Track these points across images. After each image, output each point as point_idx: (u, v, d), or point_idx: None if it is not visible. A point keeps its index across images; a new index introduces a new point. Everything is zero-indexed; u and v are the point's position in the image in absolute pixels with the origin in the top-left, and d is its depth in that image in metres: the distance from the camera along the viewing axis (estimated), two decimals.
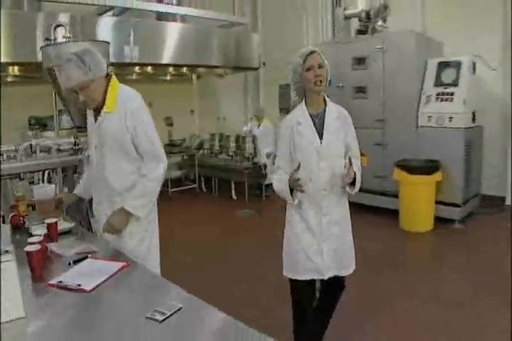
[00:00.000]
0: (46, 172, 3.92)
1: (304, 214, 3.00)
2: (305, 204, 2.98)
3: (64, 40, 4.42)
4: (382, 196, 7.01)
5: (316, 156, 2.90)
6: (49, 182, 3.84)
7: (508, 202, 7.26)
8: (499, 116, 7.34)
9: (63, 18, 6.28)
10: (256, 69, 9.45)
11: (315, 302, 3.18)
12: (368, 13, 7.34)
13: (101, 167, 2.84)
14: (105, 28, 7.00)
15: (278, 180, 2.95)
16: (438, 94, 6.61)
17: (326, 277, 2.99)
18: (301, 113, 2.98)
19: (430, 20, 7.97)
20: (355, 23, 7.86)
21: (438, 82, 6.67)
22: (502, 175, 7.36)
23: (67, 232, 2.91)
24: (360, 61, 7.20)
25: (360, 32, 7.49)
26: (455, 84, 6.55)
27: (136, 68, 8.19)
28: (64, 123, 7.45)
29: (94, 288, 2.07)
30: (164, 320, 1.76)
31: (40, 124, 7.69)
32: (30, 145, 4.12)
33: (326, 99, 3.01)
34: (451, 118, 6.35)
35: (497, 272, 4.76)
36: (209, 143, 9.35)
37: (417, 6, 8.10)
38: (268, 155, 8.47)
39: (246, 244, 5.92)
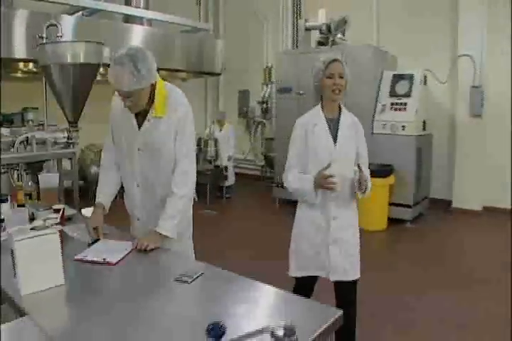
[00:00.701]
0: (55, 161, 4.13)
1: (314, 216, 3.00)
2: (315, 206, 2.98)
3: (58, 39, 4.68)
4: None
5: (328, 158, 2.89)
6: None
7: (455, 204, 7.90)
8: (446, 125, 8.03)
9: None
10: (219, 74, 9.75)
11: None
12: (328, 26, 7.81)
13: (147, 174, 2.79)
14: (71, 27, 7.13)
15: (298, 179, 2.94)
16: (392, 104, 7.15)
17: (332, 279, 3.00)
18: (317, 115, 3.05)
19: (385, 35, 8.57)
20: (315, 35, 8.32)
21: (392, 93, 7.22)
22: (448, 180, 7.99)
23: (69, 219, 3.07)
24: None
25: (320, 43, 7.95)
26: (408, 95, 7.11)
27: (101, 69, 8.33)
28: (28, 119, 7.62)
29: (118, 261, 2.32)
30: (192, 281, 2.06)
31: (7, 120, 7.76)
32: (27, 137, 4.34)
33: (341, 106, 3.11)
34: (403, 126, 6.89)
35: (442, 263, 5.42)
36: None
37: (373, 22, 8.69)
38: (229, 158, 8.85)
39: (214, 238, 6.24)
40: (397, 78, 7.27)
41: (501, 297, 4.31)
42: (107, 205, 2.84)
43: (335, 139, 2.95)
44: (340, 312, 1.72)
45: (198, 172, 2.99)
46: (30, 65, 7.09)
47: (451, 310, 4.16)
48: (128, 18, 8.43)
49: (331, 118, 3.04)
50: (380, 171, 6.65)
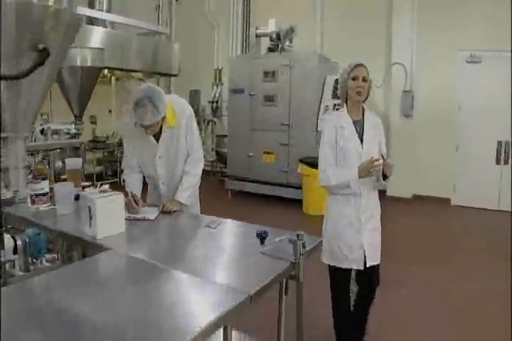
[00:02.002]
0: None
1: (345, 210, 3.18)
2: (345, 203, 3.18)
3: None
4: (286, 188, 8.37)
5: (358, 160, 3.09)
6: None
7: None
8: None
9: None
10: (175, 75, 10.42)
11: (355, 295, 3.37)
12: (278, 34, 8.71)
13: (173, 172, 3.55)
14: None
15: (340, 173, 3.11)
16: (334, 105, 8.10)
17: (369, 264, 3.18)
18: (344, 117, 3.19)
19: (328, 43, 9.60)
20: (264, 41, 9.19)
21: (335, 95, 8.16)
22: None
23: None
24: (269, 74, 8.52)
25: (270, 50, 8.84)
26: None
27: None
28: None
29: (155, 218, 3.12)
30: (216, 227, 2.92)
31: None
32: (43, 128, 5.09)
33: (365, 107, 3.25)
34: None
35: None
36: None
37: (317, 31, 9.70)
38: None
39: None
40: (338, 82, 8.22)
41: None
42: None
43: (361, 140, 3.14)
44: None
45: None
46: None
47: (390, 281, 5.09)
48: (92, 20, 8.97)
49: (356, 119, 3.19)
50: None
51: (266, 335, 2.86)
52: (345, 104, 3.23)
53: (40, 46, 1.76)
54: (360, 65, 3.13)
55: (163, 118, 3.28)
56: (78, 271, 2.23)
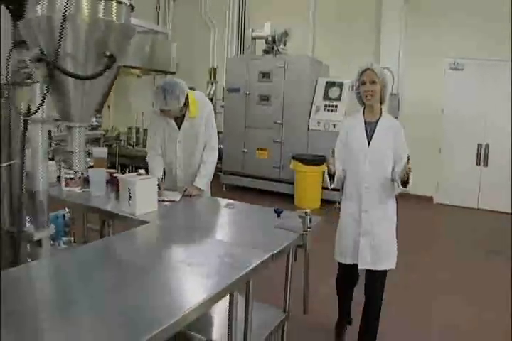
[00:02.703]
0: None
1: (350, 209, 3.37)
2: (350, 201, 3.37)
3: None
4: (279, 183, 8.82)
5: (362, 158, 3.23)
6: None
7: None
8: None
9: None
10: (173, 73, 10.75)
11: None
12: (273, 38, 9.15)
13: (190, 158, 4.02)
14: None
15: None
16: (325, 106, 8.59)
17: (361, 266, 3.31)
18: (358, 119, 3.34)
19: (320, 47, 10.04)
20: (259, 43, 9.63)
21: (326, 97, 8.65)
22: None
23: None
24: (265, 75, 8.97)
25: (266, 52, 9.27)
26: (338, 99, 8.58)
27: None
28: None
29: (180, 200, 3.58)
30: (234, 207, 3.42)
31: None
32: None
33: (383, 110, 3.34)
34: (334, 124, 8.29)
35: None
36: (126, 135, 10.55)
37: (309, 35, 10.15)
38: None
39: None
40: (330, 84, 8.71)
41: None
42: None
43: (370, 141, 3.25)
44: None
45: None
46: None
47: None
48: None
49: (370, 121, 3.30)
50: (315, 160, 8.01)
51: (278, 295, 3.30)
52: (362, 108, 3.34)
53: (108, 53, 2.19)
54: (367, 69, 3.20)
55: (187, 108, 3.81)
56: (123, 240, 2.67)
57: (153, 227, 2.88)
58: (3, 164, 2.70)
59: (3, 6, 2.30)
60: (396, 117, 9.03)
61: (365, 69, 3.20)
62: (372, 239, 3.27)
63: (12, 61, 2.32)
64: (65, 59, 2.11)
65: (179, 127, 3.93)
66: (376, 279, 3.32)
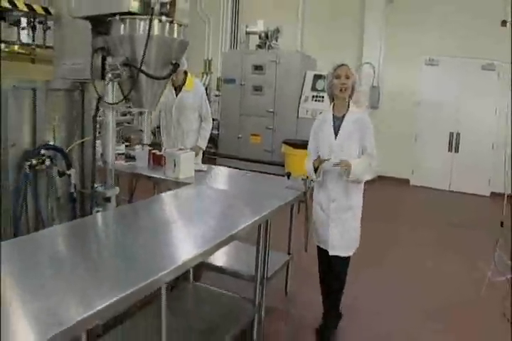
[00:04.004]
0: None
1: (319, 197, 3.56)
2: (319, 190, 3.56)
3: None
4: (270, 165, 9.71)
5: (328, 149, 3.38)
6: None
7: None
8: None
9: None
10: None
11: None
12: (266, 34, 10.03)
13: (179, 119, 5.07)
14: None
15: (309, 161, 3.52)
16: (313, 96, 9.51)
17: (331, 252, 3.47)
18: (328, 113, 3.49)
19: (307, 43, 10.94)
20: (253, 38, 10.49)
21: (313, 88, 9.57)
22: None
23: None
24: (258, 68, 9.87)
25: (259, 46, 10.16)
26: (324, 90, 9.42)
27: None
28: None
29: (206, 169, 4.49)
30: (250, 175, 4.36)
31: None
32: None
33: (351, 105, 3.45)
34: (321, 112, 9.10)
35: None
36: None
37: (298, 32, 11.05)
38: None
39: None
40: (317, 77, 9.62)
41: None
42: None
43: (337, 134, 3.39)
44: None
45: None
46: None
47: None
48: None
49: (338, 115, 3.44)
50: (303, 145, 8.82)
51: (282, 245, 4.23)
52: (333, 103, 3.53)
53: (173, 61, 3.10)
54: (342, 64, 3.36)
55: (184, 83, 5.01)
56: (172, 197, 3.57)
57: (195, 187, 3.79)
58: (78, 141, 3.62)
59: None
60: (376, 107, 10.04)
61: (341, 65, 3.37)
62: (340, 226, 3.45)
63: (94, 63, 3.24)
64: (143, 65, 3.00)
65: (176, 96, 5.02)
66: (341, 264, 3.54)
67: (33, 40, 4.08)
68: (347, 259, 3.53)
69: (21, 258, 2.09)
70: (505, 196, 5.10)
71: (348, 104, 3.45)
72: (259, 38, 10.16)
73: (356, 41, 10.45)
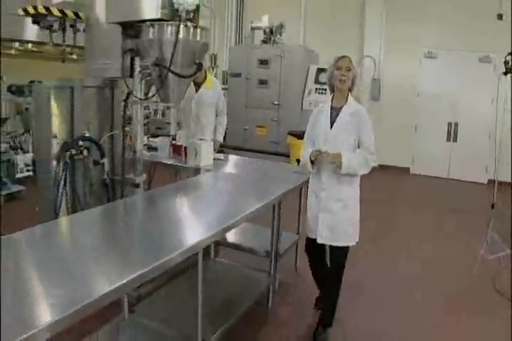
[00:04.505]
0: None
1: (313, 187, 3.58)
2: (314, 179, 3.57)
3: None
4: (276, 155, 10.09)
5: (323, 140, 3.38)
6: None
7: None
8: None
9: None
10: None
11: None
12: (270, 29, 10.39)
13: (198, 114, 5.43)
14: None
15: (305, 152, 3.49)
16: (316, 89, 9.86)
17: (319, 241, 3.46)
18: (326, 104, 3.48)
19: (310, 37, 11.31)
20: (258, 34, 10.86)
21: (316, 81, 9.91)
22: None
23: None
24: (263, 62, 10.21)
25: (264, 41, 10.52)
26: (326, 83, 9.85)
27: None
28: None
29: (224, 158, 4.96)
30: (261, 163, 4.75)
31: (20, 91, 9.62)
32: None
33: (349, 97, 3.43)
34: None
35: None
36: None
37: (301, 28, 11.41)
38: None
39: None
40: (320, 71, 9.94)
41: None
42: None
43: (332, 125, 3.37)
44: None
45: None
46: None
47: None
48: None
49: (337, 107, 3.42)
50: None
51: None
52: (332, 94, 3.52)
53: (197, 61, 3.51)
54: (344, 56, 3.34)
55: (204, 80, 5.39)
56: (195, 181, 4.01)
57: (214, 174, 4.24)
58: (108, 134, 4.05)
59: None
60: (377, 99, 10.42)
61: (343, 56, 3.35)
62: (330, 216, 3.44)
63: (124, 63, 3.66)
64: (171, 64, 3.41)
65: (196, 92, 5.39)
66: (335, 253, 3.52)
67: (64, 42, 4.49)
68: (342, 251, 3.52)
69: (63, 235, 2.56)
70: (496, 181, 5.48)
71: (347, 96, 3.44)
72: (264, 33, 10.50)
73: (357, 35, 10.86)
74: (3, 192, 7.04)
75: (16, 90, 9.46)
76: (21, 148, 8.21)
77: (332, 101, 3.48)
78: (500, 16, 8.99)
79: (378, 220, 6.72)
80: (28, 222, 2.69)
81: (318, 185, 3.50)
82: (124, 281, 1.85)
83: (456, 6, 9.62)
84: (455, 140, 10.31)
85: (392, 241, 6.06)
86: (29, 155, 8.01)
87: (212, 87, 5.52)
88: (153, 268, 2.02)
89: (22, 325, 1.47)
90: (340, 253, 3.51)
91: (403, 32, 10.28)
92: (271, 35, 10.36)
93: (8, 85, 9.28)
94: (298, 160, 4.18)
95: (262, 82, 10.23)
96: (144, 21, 3.47)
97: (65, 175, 3.66)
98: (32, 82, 9.95)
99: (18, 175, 7.67)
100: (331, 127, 3.36)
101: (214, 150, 5.05)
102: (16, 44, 8.74)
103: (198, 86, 5.40)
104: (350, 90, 3.45)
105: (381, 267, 5.19)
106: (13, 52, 9.21)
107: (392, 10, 10.37)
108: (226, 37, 12.38)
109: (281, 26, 10.40)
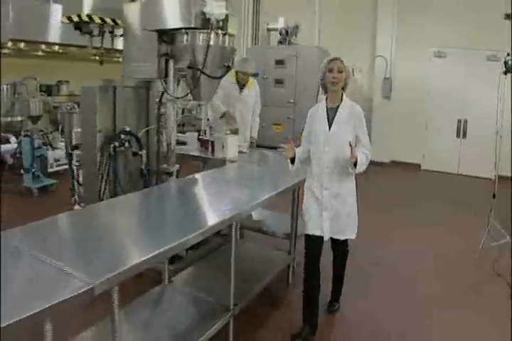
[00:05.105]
0: None
1: (312, 186, 3.58)
2: (313, 179, 3.57)
3: None
4: None
5: (323, 140, 3.40)
6: None
7: None
8: (367, 103, 11.25)
9: None
10: None
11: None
12: (286, 30, 10.86)
13: (241, 111, 5.92)
14: None
15: (297, 152, 3.61)
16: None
17: (325, 237, 3.53)
18: (321, 105, 3.51)
19: (324, 38, 11.71)
20: (274, 35, 11.34)
21: None
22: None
23: None
24: (279, 62, 10.71)
25: (280, 42, 11.00)
26: None
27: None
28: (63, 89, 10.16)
29: (247, 150, 5.49)
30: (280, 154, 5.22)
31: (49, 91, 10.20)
32: None
33: (344, 97, 3.47)
34: None
35: (367, 195, 8.56)
36: None
37: (315, 29, 11.83)
38: None
39: None
40: None
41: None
42: None
43: (331, 125, 3.41)
44: None
45: None
46: None
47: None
48: None
49: (333, 107, 3.46)
50: None
51: None
52: (326, 94, 3.56)
53: (226, 64, 4.00)
54: (335, 58, 3.41)
55: (247, 82, 5.88)
56: (222, 171, 4.51)
57: (239, 164, 4.78)
58: (145, 129, 4.54)
59: None
60: (388, 97, 10.81)
61: (334, 58, 3.42)
62: (333, 213, 3.50)
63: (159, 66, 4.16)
64: (202, 67, 3.90)
65: (240, 92, 5.90)
66: (339, 246, 3.78)
67: (101, 46, 4.98)
68: (343, 243, 3.74)
69: (108, 214, 3.06)
70: (497, 173, 5.88)
71: (342, 97, 3.49)
72: (280, 34, 10.97)
73: (369, 36, 11.28)
74: (37, 185, 7.55)
75: (45, 90, 10.04)
76: (51, 145, 8.73)
77: (327, 101, 3.53)
78: (507, 16, 9.36)
79: (391, 211, 7.19)
80: (62, 210, 3.02)
81: (318, 184, 3.52)
82: (174, 244, 2.38)
83: (464, 6, 9.95)
84: (464, 136, 10.57)
85: (401, 228, 6.53)
86: (59, 151, 8.57)
87: (254, 89, 6.07)
88: (198, 234, 2.57)
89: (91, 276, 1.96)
90: (346, 244, 3.80)
91: (414, 32, 10.63)
92: (286, 36, 10.81)
93: (38, 85, 9.83)
94: None
95: (278, 82, 10.72)
96: (178, 29, 3.95)
97: (109, 164, 4.17)
98: (59, 82, 10.56)
99: (50, 170, 8.23)
100: (330, 127, 3.41)
101: (251, 145, 5.73)
102: (43, 46, 9.15)
103: (241, 87, 5.89)
104: (343, 89, 3.50)
105: (394, 248, 5.79)
106: (40, 53, 9.73)
107: (404, 11, 10.75)
108: (243, 38, 12.83)
109: (296, 27, 10.87)
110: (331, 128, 3.38)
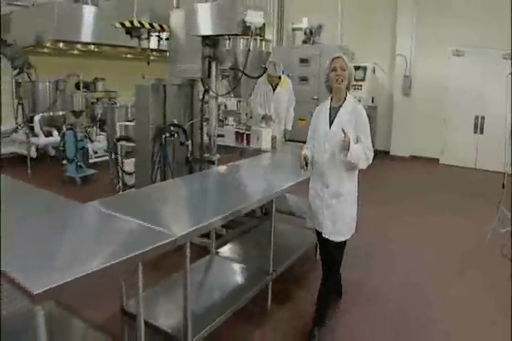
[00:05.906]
0: None
1: (314, 183, 3.60)
2: (315, 175, 3.58)
3: None
4: None
5: (324, 138, 3.39)
6: None
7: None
8: (387, 100, 11.88)
9: None
10: None
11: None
12: (310, 30, 11.38)
13: (277, 109, 6.38)
14: None
15: (304, 149, 3.65)
16: (352, 85, 10.69)
17: (324, 235, 3.54)
18: (325, 104, 3.54)
19: (346, 37, 12.25)
20: (298, 34, 11.86)
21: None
22: (387, 137, 11.85)
23: None
24: (304, 61, 11.27)
25: (304, 42, 11.54)
26: (363, 79, 10.90)
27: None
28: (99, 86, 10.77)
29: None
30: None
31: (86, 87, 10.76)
32: None
33: (348, 96, 3.47)
34: (359, 100, 10.32)
35: (388, 187, 9.19)
36: None
37: (338, 29, 12.36)
38: None
39: None
40: (355, 68, 10.68)
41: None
42: None
43: (332, 123, 3.41)
44: None
45: None
46: None
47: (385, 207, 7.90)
48: None
49: (336, 106, 3.47)
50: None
51: None
52: (331, 94, 3.58)
53: (263, 65, 4.58)
54: (338, 57, 3.44)
55: (280, 82, 6.33)
56: (258, 159, 5.10)
57: (272, 154, 5.39)
58: (190, 122, 5.15)
59: None
60: (408, 95, 11.26)
61: (337, 57, 3.44)
62: (333, 211, 3.49)
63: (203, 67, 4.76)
64: (243, 68, 4.49)
65: (273, 91, 6.37)
66: (336, 249, 3.59)
67: (148, 47, 5.59)
68: (342, 243, 3.59)
69: (157, 195, 3.58)
70: (505, 166, 6.36)
71: (346, 96, 3.50)
72: (305, 34, 11.50)
73: (389, 35, 11.71)
74: (80, 175, 8.20)
75: (84, 86, 10.61)
76: (90, 138, 9.38)
77: (331, 100, 3.54)
78: None
79: (409, 201, 7.73)
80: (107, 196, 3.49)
81: (320, 182, 3.52)
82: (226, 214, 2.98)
83: (481, 7, 10.28)
84: (481, 132, 10.91)
85: (419, 216, 7.04)
86: (98, 144, 9.24)
87: (287, 88, 6.53)
88: (251, 204, 3.28)
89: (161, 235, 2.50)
90: (341, 246, 3.60)
91: (432, 31, 10.99)
92: (311, 35, 11.33)
93: (76, 82, 10.45)
94: None
95: (303, 79, 11.26)
96: (221, 35, 4.55)
97: (160, 153, 4.79)
98: (96, 79, 11.15)
99: (91, 161, 8.90)
100: (330, 125, 3.41)
101: (284, 137, 6.26)
102: (79, 45, 9.81)
103: (274, 87, 6.37)
104: (347, 88, 3.52)
105: (414, 231, 6.40)
106: (75, 52, 10.41)
107: (423, 11, 11.15)
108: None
109: (319, 27, 11.38)
110: (331, 128, 3.39)
